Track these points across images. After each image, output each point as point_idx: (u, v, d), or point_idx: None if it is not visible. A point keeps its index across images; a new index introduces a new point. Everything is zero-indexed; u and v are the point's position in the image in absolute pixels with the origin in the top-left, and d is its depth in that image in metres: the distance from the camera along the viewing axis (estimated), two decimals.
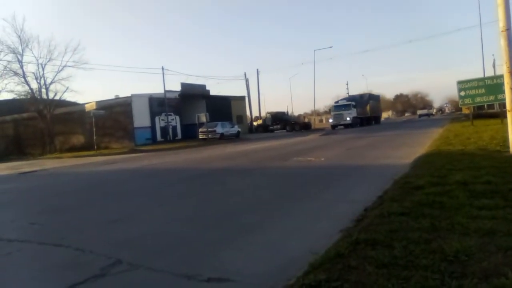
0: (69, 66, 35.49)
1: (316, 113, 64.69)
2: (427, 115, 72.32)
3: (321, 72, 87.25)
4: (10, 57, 35.55)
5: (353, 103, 40.37)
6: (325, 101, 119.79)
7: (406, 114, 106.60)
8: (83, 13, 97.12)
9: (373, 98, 49.05)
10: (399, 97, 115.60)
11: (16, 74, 35.93)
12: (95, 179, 11.29)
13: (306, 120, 56.75)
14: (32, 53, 35.86)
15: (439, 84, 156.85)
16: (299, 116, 67.29)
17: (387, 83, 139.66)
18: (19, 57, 35.32)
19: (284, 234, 3.87)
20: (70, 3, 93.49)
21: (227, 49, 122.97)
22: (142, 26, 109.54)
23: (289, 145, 18.52)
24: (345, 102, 41.33)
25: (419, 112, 79.75)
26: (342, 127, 38.30)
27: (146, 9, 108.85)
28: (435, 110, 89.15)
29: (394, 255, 2.60)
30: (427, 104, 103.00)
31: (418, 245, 2.74)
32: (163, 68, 33.41)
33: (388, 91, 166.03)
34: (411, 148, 11.32)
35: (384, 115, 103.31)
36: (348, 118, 38.29)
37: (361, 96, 46.86)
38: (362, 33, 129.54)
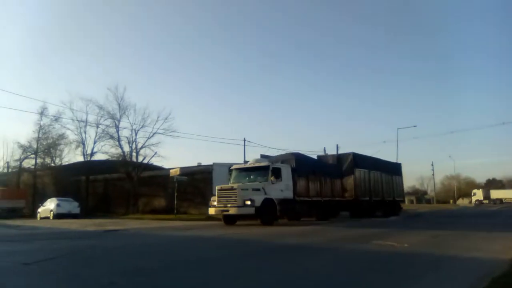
0: (159, 133, 38.20)
1: None
2: None
3: (404, 151, 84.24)
4: (108, 122, 39.33)
5: (282, 166, 19.70)
6: (408, 181, 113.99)
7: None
8: (174, 84, 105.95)
9: (370, 166, 26.84)
10: (491, 182, 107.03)
11: (112, 137, 39.51)
12: (173, 243, 11.45)
13: None
14: (128, 119, 39.28)
15: None
16: None
17: (477, 166, 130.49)
18: (117, 122, 38.95)
19: None
20: (164, 76, 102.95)
21: (309, 122, 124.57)
22: (228, 96, 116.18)
23: (366, 225, 17.64)
24: (260, 164, 19.93)
25: None
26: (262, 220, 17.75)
27: (229, 80, 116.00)
28: None
29: None
30: None
31: None
32: (244, 140, 34.62)
33: (478, 175, 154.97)
34: (509, 241, 10.17)
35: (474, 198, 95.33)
36: (248, 202, 17.21)
37: (321, 159, 27.17)
38: (448, 113, 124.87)
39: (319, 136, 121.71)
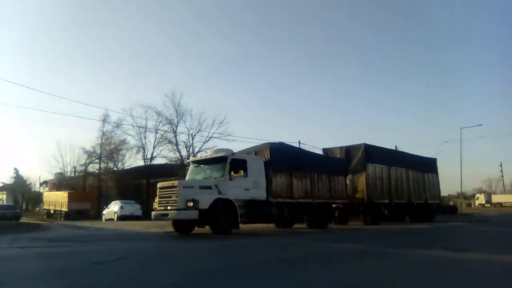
0: (215, 137, 38.85)
1: (463, 195, 58.29)
2: None
3: (469, 152, 79.11)
4: (166, 127, 40.55)
5: (248, 158, 15.49)
6: (474, 183, 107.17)
7: None
8: (229, 89, 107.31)
9: (389, 161, 22.86)
10: None
11: (170, 142, 40.79)
12: (236, 246, 11.39)
13: (451, 203, 51.69)
14: (185, 124, 40.34)
15: None
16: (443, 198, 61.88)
17: None
18: (174, 127, 40.11)
19: None
20: (220, 81, 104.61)
21: (366, 122, 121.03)
22: (281, 97, 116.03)
23: (431, 230, 16.74)
24: (217, 155, 15.69)
25: None
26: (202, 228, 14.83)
27: (282, 82, 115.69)
28: None
29: None
30: None
31: None
32: (299, 143, 34.29)
33: None
34: None
35: None
36: (191, 203, 12.84)
37: (326, 152, 23.03)
38: None
39: (377, 135, 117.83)
